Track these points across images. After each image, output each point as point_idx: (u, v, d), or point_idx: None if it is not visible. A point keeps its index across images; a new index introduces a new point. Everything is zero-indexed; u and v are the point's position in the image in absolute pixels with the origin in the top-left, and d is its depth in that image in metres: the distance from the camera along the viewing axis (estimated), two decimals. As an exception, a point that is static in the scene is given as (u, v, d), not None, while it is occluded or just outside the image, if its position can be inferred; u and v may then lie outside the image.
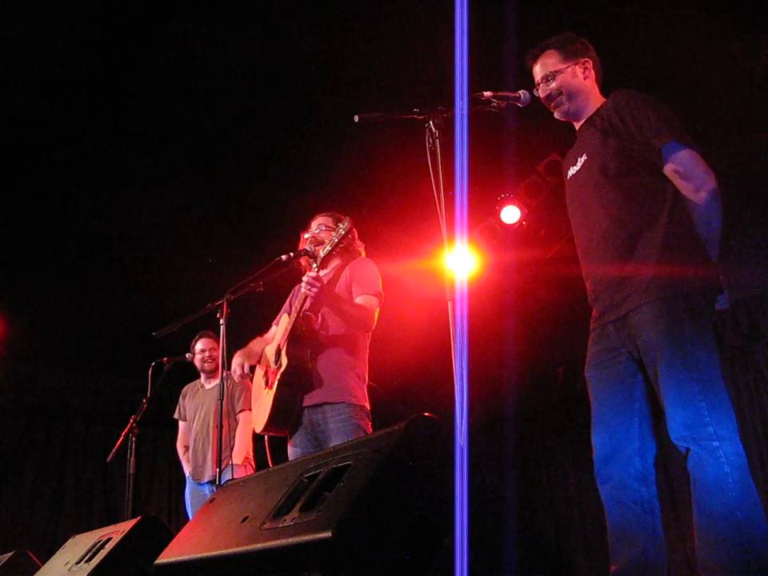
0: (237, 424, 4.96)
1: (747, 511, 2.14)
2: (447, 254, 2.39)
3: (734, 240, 5.09)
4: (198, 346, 5.12)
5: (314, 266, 3.22)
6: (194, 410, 5.18)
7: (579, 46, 2.70)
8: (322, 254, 3.21)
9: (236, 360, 3.42)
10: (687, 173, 2.41)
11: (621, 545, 2.35)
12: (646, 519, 2.35)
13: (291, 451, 3.29)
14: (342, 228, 3.13)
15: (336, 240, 3.14)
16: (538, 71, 2.70)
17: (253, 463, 4.97)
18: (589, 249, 2.58)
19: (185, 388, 5.38)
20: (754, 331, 5.41)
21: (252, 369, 3.49)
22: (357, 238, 3.59)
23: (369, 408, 3.29)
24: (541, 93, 2.69)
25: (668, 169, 2.43)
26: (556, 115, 2.74)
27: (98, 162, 5.20)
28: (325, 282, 3.15)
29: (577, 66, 2.65)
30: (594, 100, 2.69)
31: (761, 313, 5.34)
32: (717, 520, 2.15)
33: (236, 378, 3.46)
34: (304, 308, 3.27)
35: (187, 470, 5.12)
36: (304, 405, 3.23)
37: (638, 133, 2.45)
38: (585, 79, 2.66)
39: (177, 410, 5.34)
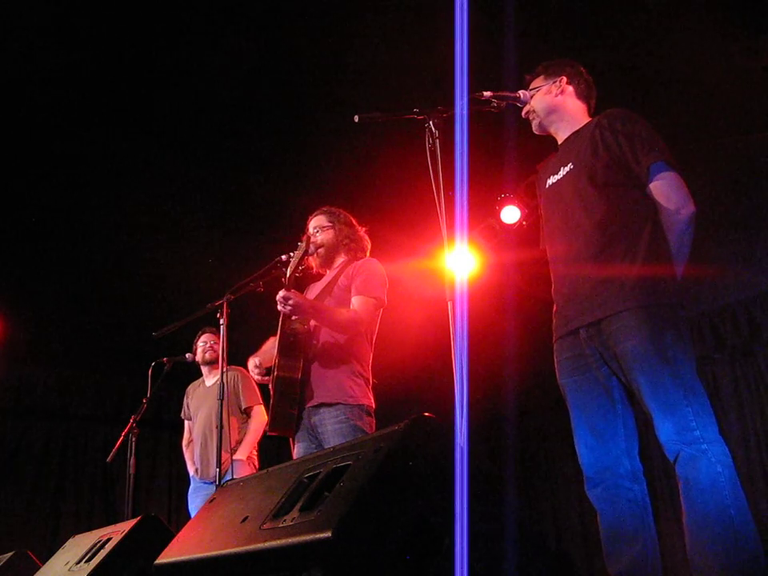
0: (240, 421, 4.97)
1: (739, 509, 2.17)
2: (447, 254, 2.39)
3: (734, 240, 5.10)
4: (201, 339, 5.23)
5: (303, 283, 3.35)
6: (196, 408, 5.19)
7: (556, 67, 2.81)
8: (287, 273, 3.25)
9: (251, 363, 3.44)
10: (671, 192, 2.49)
11: (619, 546, 2.35)
12: (641, 517, 2.37)
13: (295, 450, 3.30)
14: (301, 250, 3.20)
15: (296, 262, 3.20)
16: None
17: (256, 462, 4.96)
18: (569, 252, 2.60)
19: (188, 387, 5.40)
20: (754, 331, 5.41)
21: (268, 370, 3.47)
22: (359, 230, 3.59)
23: (372, 405, 3.26)
24: (522, 112, 2.82)
25: (653, 186, 2.51)
26: (533, 130, 2.84)
27: (98, 162, 5.20)
28: (296, 298, 3.14)
29: (552, 85, 2.76)
30: (576, 115, 2.77)
31: (761, 313, 5.34)
32: (711, 519, 2.17)
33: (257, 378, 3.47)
34: (287, 322, 3.28)
35: (191, 468, 5.13)
36: (305, 406, 3.24)
37: (629, 149, 2.52)
38: (557, 96, 2.76)
39: (182, 409, 5.38)
